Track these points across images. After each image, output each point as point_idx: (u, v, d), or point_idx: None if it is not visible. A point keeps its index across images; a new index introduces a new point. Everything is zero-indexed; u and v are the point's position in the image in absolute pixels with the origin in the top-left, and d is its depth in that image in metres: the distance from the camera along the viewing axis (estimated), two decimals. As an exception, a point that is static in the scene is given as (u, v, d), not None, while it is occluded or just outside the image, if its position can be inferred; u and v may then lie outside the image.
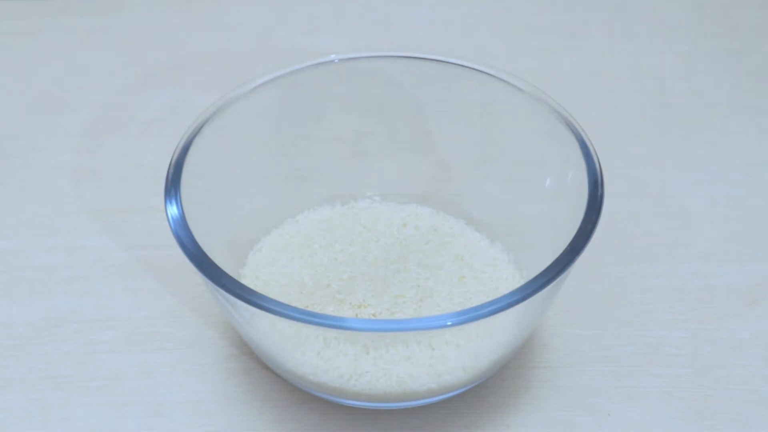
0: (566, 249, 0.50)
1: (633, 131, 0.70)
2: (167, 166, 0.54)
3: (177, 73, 0.75)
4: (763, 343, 0.57)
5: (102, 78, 0.75)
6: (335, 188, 0.61)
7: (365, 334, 0.49)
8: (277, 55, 0.73)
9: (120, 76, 0.75)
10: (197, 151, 0.55)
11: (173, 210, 0.52)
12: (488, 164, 0.61)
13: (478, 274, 0.56)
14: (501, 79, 0.58)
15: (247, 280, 0.56)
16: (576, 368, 0.56)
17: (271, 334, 0.51)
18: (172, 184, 0.53)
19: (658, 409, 0.54)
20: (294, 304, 0.52)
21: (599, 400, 0.55)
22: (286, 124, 0.60)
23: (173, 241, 0.51)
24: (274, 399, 0.55)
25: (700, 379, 0.56)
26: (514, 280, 0.56)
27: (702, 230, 0.63)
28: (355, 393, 0.52)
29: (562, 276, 0.49)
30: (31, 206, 0.65)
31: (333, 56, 0.60)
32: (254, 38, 0.78)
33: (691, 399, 0.55)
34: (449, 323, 0.47)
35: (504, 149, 0.60)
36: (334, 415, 0.54)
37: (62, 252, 0.62)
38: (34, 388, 0.56)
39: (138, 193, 0.66)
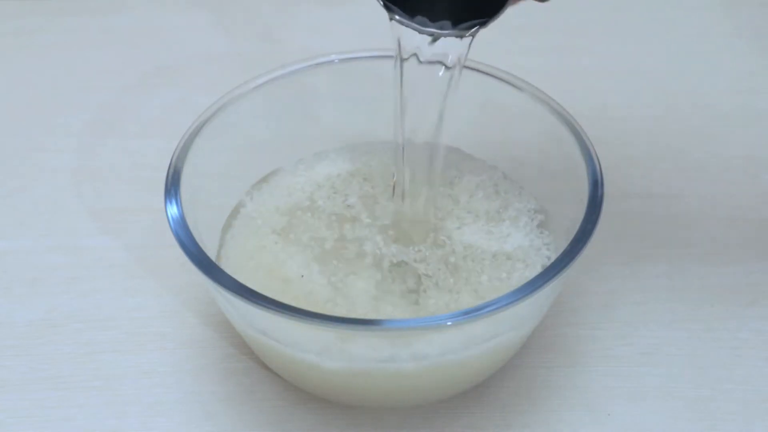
0: (566, 249, 0.50)
1: (633, 131, 0.70)
2: (167, 166, 0.54)
3: (177, 73, 0.75)
4: (763, 343, 0.57)
5: (102, 78, 0.75)
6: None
7: (365, 333, 0.49)
8: (277, 55, 0.73)
9: (120, 76, 0.75)
10: (197, 151, 0.55)
11: (173, 210, 0.52)
12: (488, 164, 0.61)
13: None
14: (501, 79, 0.58)
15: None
16: (576, 368, 0.56)
17: (271, 333, 0.51)
18: (172, 184, 0.53)
19: (658, 409, 0.54)
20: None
21: (599, 400, 0.55)
22: (286, 124, 0.60)
23: (173, 241, 0.51)
24: (274, 399, 0.55)
25: (700, 379, 0.56)
26: (514, 280, 0.56)
27: (702, 230, 0.63)
28: (356, 393, 0.52)
29: (562, 276, 0.49)
30: (31, 206, 0.65)
31: (333, 56, 0.60)
32: (254, 38, 0.78)
33: (691, 399, 0.55)
34: (449, 323, 0.47)
35: (504, 149, 0.60)
36: (334, 415, 0.54)
37: (62, 252, 0.62)
38: (34, 388, 0.56)
39: (138, 193, 0.66)
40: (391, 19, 0.50)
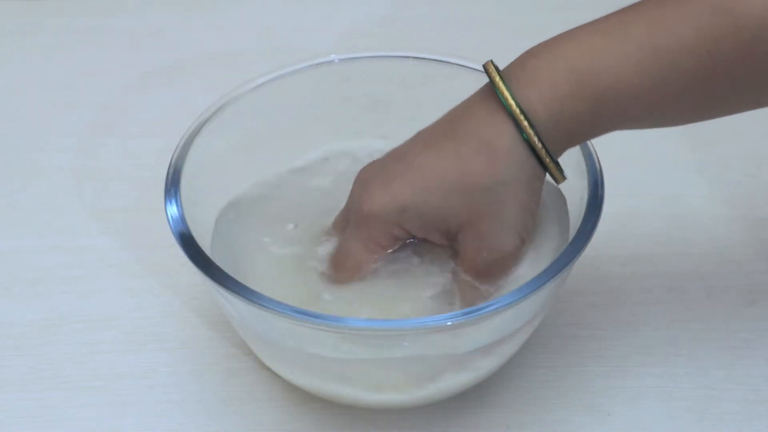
0: (566, 249, 0.50)
1: (633, 131, 0.70)
2: (167, 166, 0.54)
3: (177, 73, 0.75)
4: (763, 343, 0.57)
5: (102, 78, 0.75)
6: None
7: (365, 333, 0.49)
8: (277, 55, 0.73)
9: (120, 76, 0.75)
10: (197, 151, 0.55)
11: (173, 210, 0.52)
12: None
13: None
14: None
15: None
16: (576, 368, 0.56)
17: (271, 334, 0.51)
18: (172, 184, 0.53)
19: (658, 409, 0.54)
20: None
21: (599, 400, 0.55)
22: (286, 124, 0.60)
23: (173, 241, 0.51)
24: (274, 399, 0.55)
25: (700, 379, 0.56)
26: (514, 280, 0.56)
27: (702, 230, 0.63)
28: (356, 393, 0.52)
29: (562, 276, 0.49)
30: (31, 206, 0.65)
31: (333, 56, 0.60)
32: (254, 38, 0.78)
33: (691, 399, 0.55)
34: (449, 323, 0.47)
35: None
36: (334, 415, 0.54)
37: (62, 252, 0.62)
38: (34, 388, 0.56)
39: (138, 193, 0.66)
40: None
